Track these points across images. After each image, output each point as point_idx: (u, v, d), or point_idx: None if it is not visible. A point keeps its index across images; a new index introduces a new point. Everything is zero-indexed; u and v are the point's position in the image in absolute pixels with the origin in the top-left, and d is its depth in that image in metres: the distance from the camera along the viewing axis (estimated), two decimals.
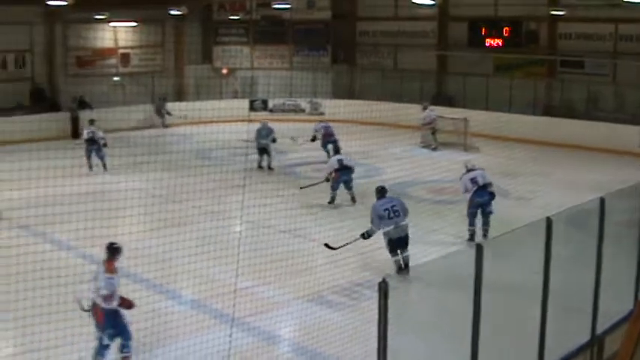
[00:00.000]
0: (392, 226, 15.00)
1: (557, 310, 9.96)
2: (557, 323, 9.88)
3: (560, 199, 18.65)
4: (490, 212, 17.45)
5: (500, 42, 34.76)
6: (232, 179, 16.94)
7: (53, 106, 34.03)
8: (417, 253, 14.63)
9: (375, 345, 7.47)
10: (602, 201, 10.66)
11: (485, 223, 17.53)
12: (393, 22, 39.04)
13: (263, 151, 25.75)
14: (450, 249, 14.74)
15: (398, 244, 15.05)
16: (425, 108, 30.41)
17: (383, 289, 7.20)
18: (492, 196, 17.58)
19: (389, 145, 27.68)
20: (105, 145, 24.76)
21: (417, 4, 33.39)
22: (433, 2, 33.31)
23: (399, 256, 15.00)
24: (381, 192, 15.76)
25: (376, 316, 7.37)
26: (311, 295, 13.61)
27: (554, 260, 9.60)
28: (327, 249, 15.27)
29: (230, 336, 10.29)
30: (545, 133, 30.51)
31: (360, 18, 40.61)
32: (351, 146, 24.62)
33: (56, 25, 35.21)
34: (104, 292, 10.37)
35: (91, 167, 24.16)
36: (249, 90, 39.14)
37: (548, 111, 32.94)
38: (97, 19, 35.44)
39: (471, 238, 17.44)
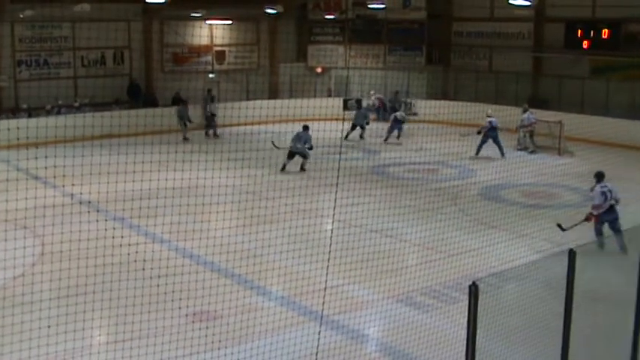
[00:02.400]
0: (293, 144, 24.96)
1: None
2: None
3: None
4: (499, 141, 27.87)
5: (597, 44, 34.13)
6: (325, 177, 17.02)
7: (148, 102, 34.67)
8: (507, 256, 14.54)
9: (464, 348, 7.45)
10: None
11: (500, 148, 27.69)
12: (489, 22, 38.66)
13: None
14: (542, 254, 14.59)
15: (297, 154, 24.92)
16: (525, 110, 30.03)
17: (473, 292, 7.17)
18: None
19: (483, 147, 27.50)
20: (189, 120, 31.89)
21: (513, 5, 33.00)
22: (529, 3, 32.87)
23: (288, 162, 24.79)
24: (306, 127, 25.28)
25: (465, 320, 7.35)
26: (400, 295, 13.60)
27: None
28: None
29: (319, 333, 10.34)
30: None
31: (456, 18, 40.29)
32: (445, 147, 24.53)
33: (153, 22, 35.97)
34: None
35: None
36: (344, 89, 39.22)
37: None
38: (193, 16, 36.03)
39: (477, 153, 27.61)
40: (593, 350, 9.33)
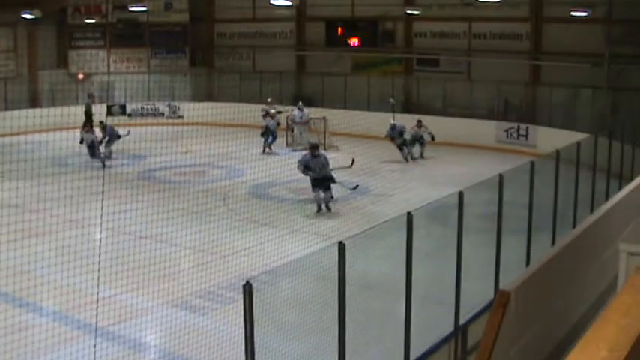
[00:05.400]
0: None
1: (421, 303, 10.12)
2: (421, 316, 10.04)
3: (420, 195, 19.07)
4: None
5: (357, 41, 35.27)
6: (90, 186, 16.57)
7: None
8: (279, 253, 14.67)
9: (243, 347, 7.43)
10: (460, 195, 10.86)
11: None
12: (251, 23, 39.10)
13: None
14: (313, 248, 14.82)
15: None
16: (300, 108, 30.57)
17: (247, 291, 7.16)
18: None
19: (249, 147, 27.71)
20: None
21: (275, 5, 33.48)
22: (290, 3, 33.45)
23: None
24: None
25: (242, 318, 7.33)
26: (176, 300, 13.48)
27: (417, 254, 9.74)
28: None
29: (95, 346, 10.06)
30: None
31: (218, 20, 40.48)
32: (210, 148, 24.50)
33: None
34: None
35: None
36: (107, 95, 38.44)
37: (407, 108, 33.49)
38: None
39: None
40: (369, 336, 9.57)
